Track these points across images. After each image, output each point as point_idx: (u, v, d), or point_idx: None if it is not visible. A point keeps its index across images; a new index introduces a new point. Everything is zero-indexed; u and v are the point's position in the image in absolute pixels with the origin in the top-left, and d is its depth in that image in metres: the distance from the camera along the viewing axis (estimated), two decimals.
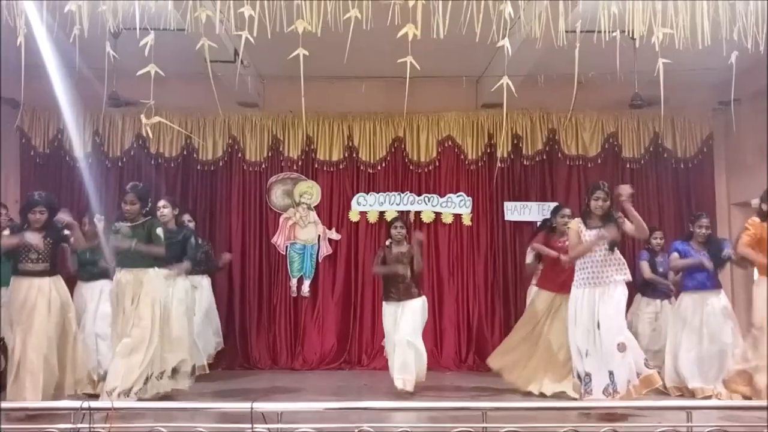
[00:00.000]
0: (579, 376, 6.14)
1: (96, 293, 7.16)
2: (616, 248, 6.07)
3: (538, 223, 8.40)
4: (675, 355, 7.00)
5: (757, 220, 6.06)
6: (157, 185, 9.32)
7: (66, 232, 6.13)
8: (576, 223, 6.24)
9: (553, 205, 9.39)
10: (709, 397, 6.56)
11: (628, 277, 6.07)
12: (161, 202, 7.43)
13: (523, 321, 7.45)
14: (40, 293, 5.88)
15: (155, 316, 6.31)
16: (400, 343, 7.05)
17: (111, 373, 6.10)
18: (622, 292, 6.05)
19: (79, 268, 7.20)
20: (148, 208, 6.49)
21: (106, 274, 7.11)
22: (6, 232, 6.03)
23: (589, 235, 6.07)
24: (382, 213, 9.52)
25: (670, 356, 7.09)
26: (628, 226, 6.03)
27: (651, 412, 5.08)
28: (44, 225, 6.03)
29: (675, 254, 7.16)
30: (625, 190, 5.96)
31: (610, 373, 5.88)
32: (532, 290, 7.94)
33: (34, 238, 5.93)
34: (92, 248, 7.00)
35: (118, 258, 6.40)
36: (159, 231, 6.43)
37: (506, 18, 4.45)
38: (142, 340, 6.17)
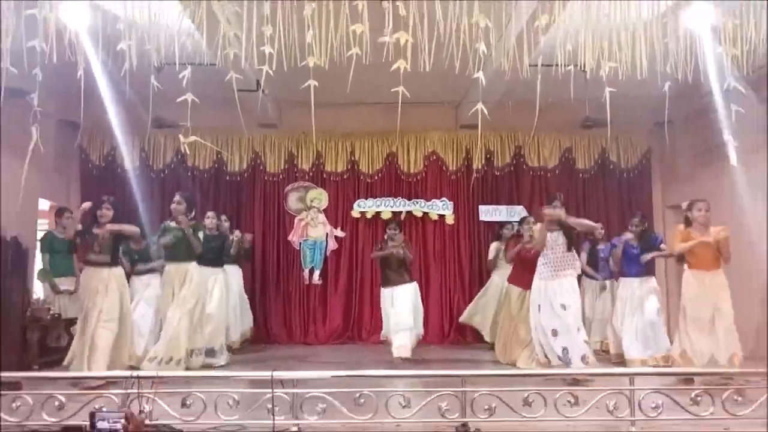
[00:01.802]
0: (546, 355, 6.15)
1: (143, 286, 7.15)
2: (572, 247, 6.14)
3: (505, 231, 8.43)
4: (617, 330, 7.01)
5: (681, 227, 6.09)
6: (193, 192, 9.32)
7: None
8: (540, 226, 6.34)
9: (519, 207, 9.48)
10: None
11: (578, 270, 6.29)
12: (210, 213, 7.63)
13: (504, 314, 7.43)
14: (102, 282, 5.83)
15: (196, 302, 6.29)
16: (396, 321, 7.08)
17: (159, 345, 6.12)
18: (575, 282, 6.16)
19: (131, 264, 7.18)
20: (193, 214, 6.49)
21: (152, 270, 7.14)
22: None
23: (549, 236, 6.15)
24: (378, 213, 9.55)
25: (612, 330, 7.10)
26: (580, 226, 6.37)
27: (601, 378, 5.07)
28: (111, 221, 5.99)
29: (615, 250, 7.13)
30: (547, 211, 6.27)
31: (564, 348, 5.92)
32: (494, 280, 8.26)
33: (131, 228, 5.98)
34: (140, 249, 7.03)
35: (168, 253, 6.38)
36: (200, 234, 6.49)
37: (480, 54, 4.45)
38: (184, 320, 6.14)
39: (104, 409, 3.43)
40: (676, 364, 5.96)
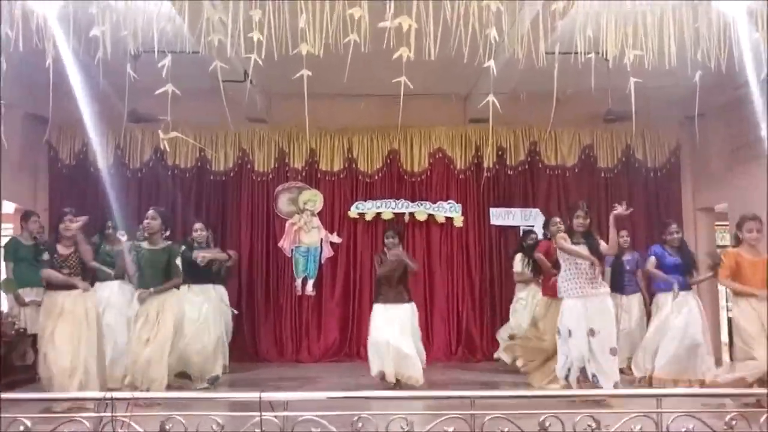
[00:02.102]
0: (566, 378, 6.10)
1: (107, 294, 7.08)
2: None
3: (529, 241, 8.22)
4: (651, 348, 6.97)
5: (731, 250, 6.03)
6: (173, 194, 9.34)
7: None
8: (564, 236, 6.25)
9: (534, 210, 9.47)
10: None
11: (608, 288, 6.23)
12: (197, 225, 7.55)
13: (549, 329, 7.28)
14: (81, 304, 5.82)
15: (173, 327, 6.18)
16: (392, 345, 6.82)
17: (135, 370, 5.97)
18: (609, 301, 6.13)
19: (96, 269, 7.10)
20: (168, 233, 6.34)
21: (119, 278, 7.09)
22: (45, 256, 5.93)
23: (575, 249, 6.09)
24: (378, 214, 9.56)
25: (644, 351, 7.07)
26: (603, 247, 6.15)
27: (626, 400, 5.06)
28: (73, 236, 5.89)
29: (652, 258, 7.11)
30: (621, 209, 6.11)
31: (594, 375, 5.91)
32: (524, 293, 8.04)
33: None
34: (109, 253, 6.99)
35: (141, 279, 6.20)
36: (178, 261, 6.28)
37: (491, 41, 4.46)
38: (163, 345, 6.05)
39: None
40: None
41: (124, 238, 7.11)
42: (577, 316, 6.01)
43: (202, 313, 7.16)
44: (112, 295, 7.01)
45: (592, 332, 5.97)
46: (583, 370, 5.97)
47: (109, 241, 7.26)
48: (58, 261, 5.82)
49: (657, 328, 6.95)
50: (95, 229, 7.16)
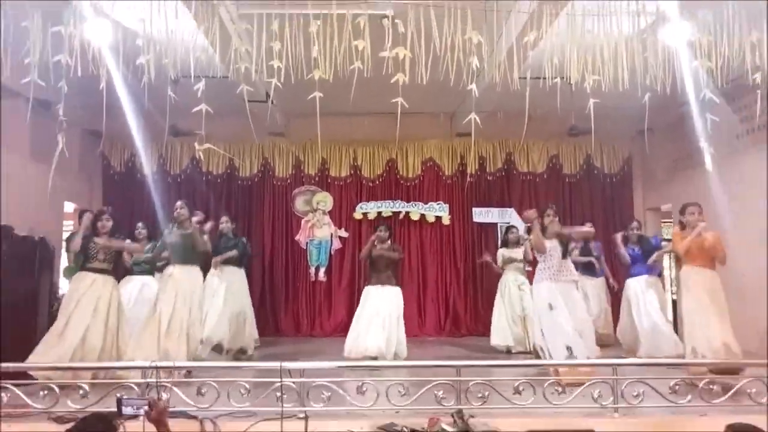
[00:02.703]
0: (541, 348, 5.96)
1: (139, 285, 6.98)
2: (567, 255, 6.04)
3: (510, 236, 8.01)
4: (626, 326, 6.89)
5: (677, 229, 6.00)
6: (207, 196, 9.34)
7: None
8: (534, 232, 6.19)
9: (509, 210, 9.48)
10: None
11: (577, 278, 6.18)
12: (223, 218, 7.44)
13: None
14: (107, 287, 5.65)
15: (200, 302, 6.08)
16: (375, 322, 6.59)
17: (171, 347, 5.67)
18: (575, 290, 6.06)
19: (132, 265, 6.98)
20: (198, 218, 6.34)
21: (150, 272, 7.04)
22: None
23: (548, 243, 6.01)
24: (379, 213, 9.56)
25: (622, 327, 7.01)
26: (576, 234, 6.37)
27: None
28: (110, 232, 5.81)
29: (621, 251, 7.00)
30: (531, 215, 6.03)
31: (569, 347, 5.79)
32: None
33: (132, 246, 5.98)
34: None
35: (175, 257, 6.08)
36: (205, 237, 6.31)
37: (474, 68, 4.47)
38: (191, 320, 5.85)
39: (127, 396, 3.43)
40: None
41: (143, 235, 7.22)
42: (547, 295, 5.90)
43: (220, 293, 6.99)
44: (146, 286, 6.90)
45: (552, 308, 5.89)
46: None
47: (139, 242, 7.14)
48: (94, 250, 5.73)
49: (626, 308, 6.90)
50: (128, 231, 7.06)
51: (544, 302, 5.87)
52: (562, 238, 6.05)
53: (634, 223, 7.15)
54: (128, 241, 6.17)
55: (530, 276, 6.76)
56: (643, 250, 6.90)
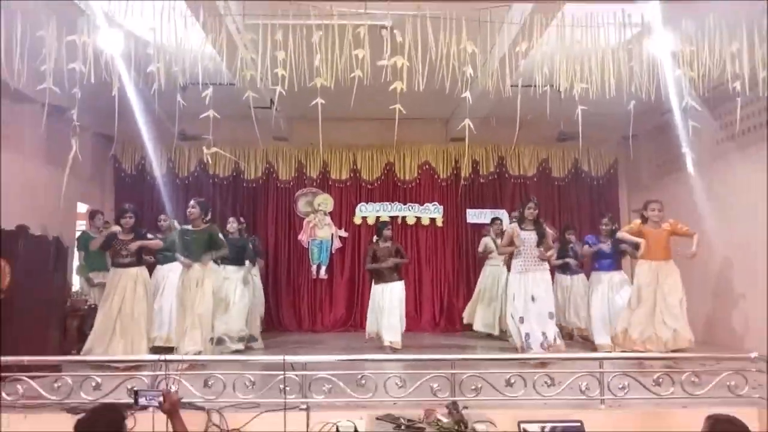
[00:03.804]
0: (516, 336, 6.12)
1: (166, 273, 7.09)
2: (541, 244, 6.13)
3: (498, 221, 8.49)
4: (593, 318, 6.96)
5: (638, 221, 6.12)
6: (213, 198, 9.33)
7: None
8: (513, 227, 6.32)
9: (501, 211, 9.47)
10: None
11: (547, 265, 6.23)
12: (231, 219, 7.51)
13: None
14: (131, 279, 5.79)
15: (214, 297, 6.10)
16: (390, 313, 6.95)
17: (187, 339, 5.75)
18: (547, 275, 6.15)
19: (156, 254, 7.07)
20: (208, 217, 6.28)
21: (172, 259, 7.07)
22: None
23: (523, 234, 6.14)
24: (378, 217, 9.50)
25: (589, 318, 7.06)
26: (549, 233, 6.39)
27: (575, 362, 5.07)
28: (132, 228, 5.94)
29: (586, 246, 7.16)
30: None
31: (544, 333, 5.91)
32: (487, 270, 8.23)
33: (156, 243, 6.04)
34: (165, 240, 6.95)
35: (188, 255, 6.07)
36: (220, 235, 6.31)
37: (468, 76, 4.47)
38: (206, 314, 5.90)
39: (142, 389, 3.43)
40: (617, 341, 5.93)
41: (177, 226, 7.12)
42: (519, 285, 6.10)
43: (229, 289, 7.05)
44: (171, 272, 6.93)
45: (533, 298, 6.00)
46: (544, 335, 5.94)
47: (163, 232, 7.23)
48: (119, 245, 5.83)
49: (594, 300, 6.93)
50: (149, 224, 7.13)
51: (509, 294, 6.18)
52: (540, 228, 6.16)
53: (605, 219, 7.15)
54: (150, 236, 6.17)
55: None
56: (613, 245, 6.91)
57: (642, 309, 5.80)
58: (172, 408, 3.15)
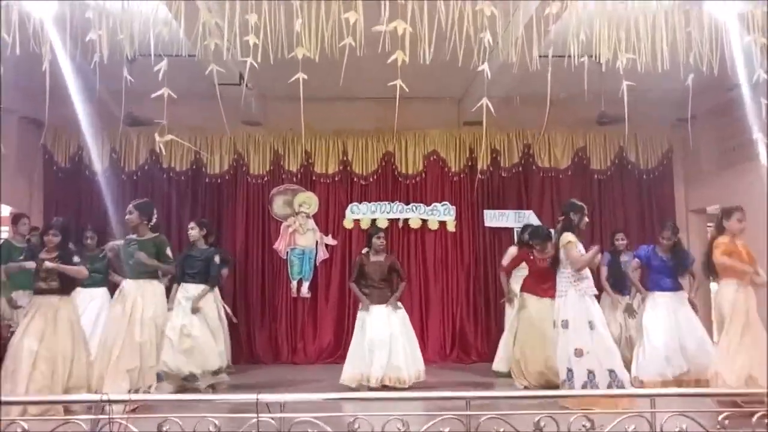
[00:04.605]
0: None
1: (89, 298, 7.16)
2: None
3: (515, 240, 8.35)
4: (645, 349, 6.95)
5: (725, 238, 6.03)
6: (168, 197, 9.34)
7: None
8: (573, 237, 6.15)
9: (527, 212, 9.49)
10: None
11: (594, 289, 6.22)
12: (192, 224, 7.54)
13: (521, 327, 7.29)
14: (52, 309, 5.80)
15: (158, 324, 6.13)
16: (382, 344, 6.93)
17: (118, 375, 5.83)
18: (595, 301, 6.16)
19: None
20: (152, 224, 6.30)
21: (103, 283, 7.26)
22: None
23: (580, 248, 6.08)
24: (374, 220, 9.52)
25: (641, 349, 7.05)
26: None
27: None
28: (57, 247, 5.90)
29: (636, 260, 7.16)
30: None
31: (611, 371, 5.83)
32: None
33: (76, 270, 5.92)
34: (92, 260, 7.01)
35: (131, 269, 6.19)
36: (168, 251, 6.29)
37: (485, 45, 4.48)
38: (150, 344, 5.99)
39: None
40: (713, 384, 5.87)
41: (94, 241, 7.55)
42: (570, 310, 6.01)
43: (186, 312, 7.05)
44: (94, 300, 7.13)
45: (591, 325, 5.93)
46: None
47: (89, 250, 7.43)
48: (39, 264, 5.82)
49: (649, 326, 6.93)
50: (76, 237, 7.07)
51: (557, 320, 6.05)
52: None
53: (667, 231, 7.10)
54: (76, 258, 6.14)
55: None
56: (675, 262, 6.93)
57: (746, 340, 5.66)
58: None
